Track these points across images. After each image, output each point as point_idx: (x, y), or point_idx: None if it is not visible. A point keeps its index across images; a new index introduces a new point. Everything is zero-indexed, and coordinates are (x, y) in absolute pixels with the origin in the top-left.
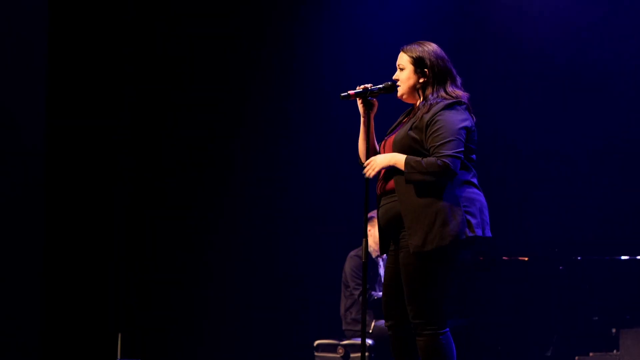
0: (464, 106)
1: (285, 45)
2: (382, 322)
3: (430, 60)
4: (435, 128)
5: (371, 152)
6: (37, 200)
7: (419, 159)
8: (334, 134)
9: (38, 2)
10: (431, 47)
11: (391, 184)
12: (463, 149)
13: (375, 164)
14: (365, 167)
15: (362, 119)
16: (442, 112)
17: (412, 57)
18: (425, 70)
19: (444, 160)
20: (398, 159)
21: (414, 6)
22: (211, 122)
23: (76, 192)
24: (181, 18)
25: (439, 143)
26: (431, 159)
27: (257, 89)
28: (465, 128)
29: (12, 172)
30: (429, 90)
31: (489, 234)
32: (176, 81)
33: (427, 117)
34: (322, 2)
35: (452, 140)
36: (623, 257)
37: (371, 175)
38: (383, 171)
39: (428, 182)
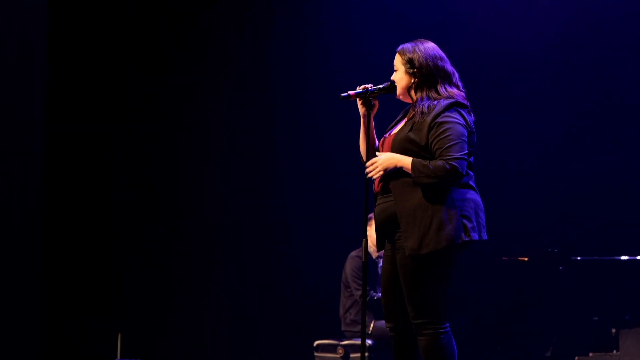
0: (466, 110)
1: (285, 45)
2: (381, 322)
3: (419, 61)
4: (440, 131)
5: (372, 151)
6: (37, 200)
7: (425, 162)
8: (333, 134)
9: (38, 2)
10: (423, 46)
11: (387, 183)
12: (467, 150)
13: (378, 166)
14: (367, 167)
15: (362, 120)
16: (444, 114)
17: (403, 58)
18: (415, 70)
19: (451, 163)
20: (404, 162)
21: (416, 6)
22: (210, 121)
23: (76, 192)
24: (181, 18)
25: (445, 146)
26: (439, 162)
27: (258, 89)
28: (467, 130)
29: (12, 172)
30: (419, 91)
31: (485, 237)
32: (175, 81)
33: (428, 119)
34: (323, 2)
35: (458, 142)
36: (623, 257)
37: (374, 177)
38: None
39: (435, 184)
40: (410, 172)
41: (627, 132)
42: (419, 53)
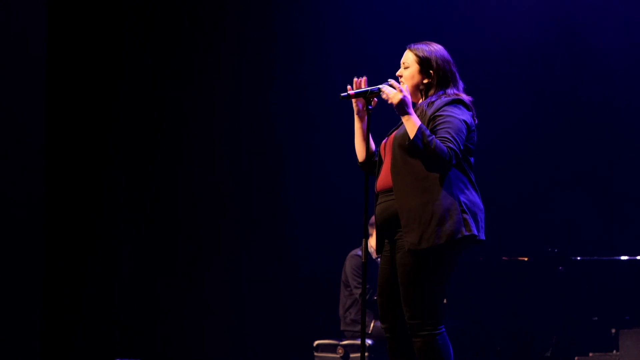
0: (466, 107)
1: (286, 46)
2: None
3: (436, 62)
4: (440, 122)
5: (369, 155)
6: (37, 199)
7: (432, 135)
8: (333, 133)
9: (37, 2)
10: (438, 49)
11: (389, 182)
12: (462, 147)
13: (393, 96)
14: (388, 85)
15: (356, 118)
16: (444, 107)
17: (418, 56)
18: (431, 71)
19: (450, 152)
20: (413, 120)
21: (417, 7)
22: (210, 121)
23: (76, 191)
24: (182, 18)
25: (444, 136)
26: (442, 144)
27: (260, 89)
28: (466, 125)
29: (12, 172)
30: (431, 92)
31: (482, 237)
32: (175, 81)
33: (429, 112)
34: (324, 2)
35: (456, 135)
36: (623, 257)
37: (383, 96)
38: (385, 167)
39: (423, 158)
40: (413, 129)
41: (627, 132)
42: (436, 55)
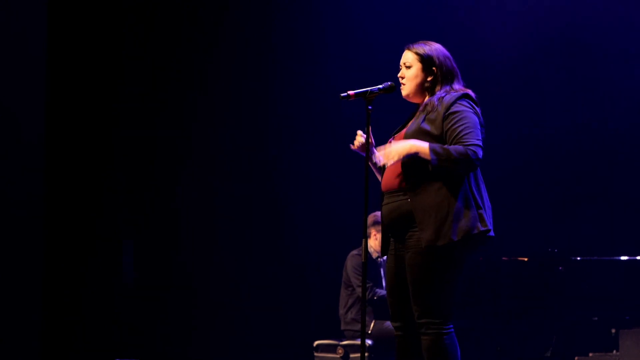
0: (474, 102)
1: (285, 45)
2: (380, 322)
3: (438, 58)
4: (456, 119)
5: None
6: (37, 199)
7: (445, 146)
8: (333, 133)
9: (37, 2)
10: (437, 46)
11: (397, 181)
12: (482, 137)
13: (393, 152)
14: (379, 156)
15: (371, 165)
16: (456, 103)
17: (419, 54)
18: (433, 68)
19: (472, 149)
20: (421, 147)
21: (417, 7)
22: (210, 121)
23: (76, 192)
24: (182, 18)
25: (463, 133)
26: (459, 146)
27: (259, 89)
28: (478, 118)
29: (12, 173)
30: (437, 88)
31: (492, 234)
32: (175, 81)
33: (441, 110)
34: (324, 3)
35: (474, 130)
36: (623, 257)
37: (389, 164)
38: (392, 166)
39: (451, 170)
40: (427, 156)
41: (627, 132)
42: (436, 52)
